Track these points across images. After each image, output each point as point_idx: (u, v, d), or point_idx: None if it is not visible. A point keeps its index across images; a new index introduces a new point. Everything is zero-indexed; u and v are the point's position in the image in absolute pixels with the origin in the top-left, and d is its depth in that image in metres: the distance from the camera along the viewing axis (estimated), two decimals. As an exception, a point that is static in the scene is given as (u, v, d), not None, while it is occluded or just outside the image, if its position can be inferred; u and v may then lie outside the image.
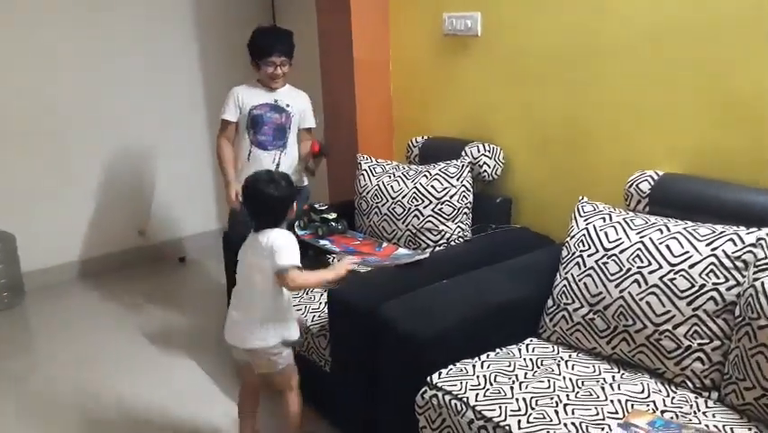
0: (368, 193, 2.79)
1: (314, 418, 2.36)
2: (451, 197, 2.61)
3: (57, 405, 2.65)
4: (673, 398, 1.74)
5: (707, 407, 1.71)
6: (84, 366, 2.93)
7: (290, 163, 2.91)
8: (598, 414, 1.65)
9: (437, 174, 2.66)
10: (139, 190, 4.10)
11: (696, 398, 1.75)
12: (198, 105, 4.23)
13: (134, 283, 3.86)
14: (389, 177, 2.76)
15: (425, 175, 2.68)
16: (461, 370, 1.87)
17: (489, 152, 2.71)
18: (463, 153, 2.72)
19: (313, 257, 2.59)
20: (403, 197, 2.67)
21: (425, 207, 2.62)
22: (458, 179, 2.64)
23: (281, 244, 1.99)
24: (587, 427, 1.60)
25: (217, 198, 4.30)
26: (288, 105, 2.88)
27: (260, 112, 2.84)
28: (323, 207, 2.76)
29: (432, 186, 2.63)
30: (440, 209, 2.61)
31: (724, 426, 1.62)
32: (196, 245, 4.25)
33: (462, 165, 2.67)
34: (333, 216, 2.72)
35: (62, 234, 3.85)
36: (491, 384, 1.80)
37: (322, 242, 2.63)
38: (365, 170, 2.85)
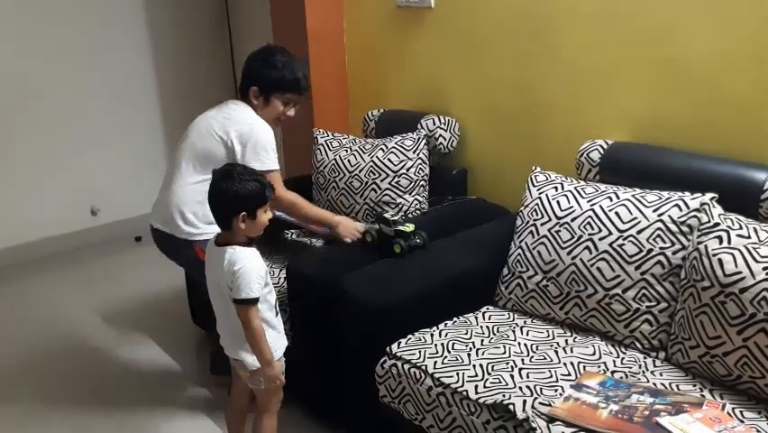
0: (325, 168, 2.78)
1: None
2: (407, 169, 2.63)
3: (12, 385, 2.60)
4: (623, 359, 1.81)
5: (654, 366, 1.79)
6: (40, 349, 2.88)
7: None
8: (551, 377, 1.71)
9: (393, 147, 2.66)
10: (90, 169, 3.99)
11: (644, 358, 1.82)
12: (149, 82, 4.13)
13: (90, 264, 3.78)
14: (346, 151, 2.75)
15: (381, 148, 2.68)
16: (420, 339, 1.90)
17: (445, 124, 2.72)
18: (419, 126, 2.73)
19: None
20: (360, 170, 2.67)
21: (382, 181, 2.62)
22: (414, 152, 2.65)
23: (242, 271, 1.72)
24: (541, 389, 1.65)
25: (172, 175, 4.22)
26: None
27: None
28: (395, 218, 2.23)
29: (388, 159, 2.63)
30: (397, 182, 2.62)
31: (670, 383, 1.69)
32: (152, 224, 4.18)
33: (418, 138, 2.68)
34: (411, 227, 2.18)
35: (11, 216, 3.73)
36: (449, 352, 1.84)
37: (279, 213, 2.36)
38: (321, 144, 2.83)
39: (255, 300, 1.74)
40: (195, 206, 2.21)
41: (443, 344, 1.87)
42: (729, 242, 1.66)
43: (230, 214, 1.75)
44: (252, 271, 1.74)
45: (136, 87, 4.09)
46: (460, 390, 1.68)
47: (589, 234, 1.92)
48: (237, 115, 2.30)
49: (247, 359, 1.84)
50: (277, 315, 1.91)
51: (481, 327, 1.98)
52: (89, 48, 3.85)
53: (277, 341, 1.88)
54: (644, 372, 1.75)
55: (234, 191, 1.73)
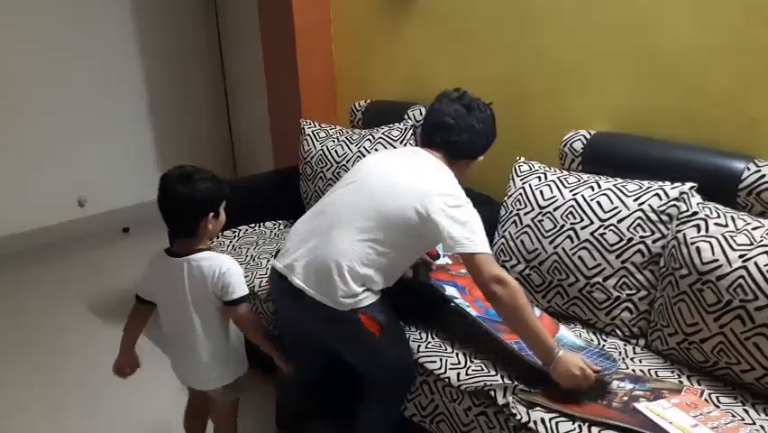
0: (312, 158, 2.79)
1: (261, 379, 2.39)
2: (394, 160, 2.63)
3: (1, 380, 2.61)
4: (604, 346, 1.84)
5: (634, 353, 1.81)
6: (29, 341, 2.88)
7: None
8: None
9: (381, 138, 2.67)
10: (78, 160, 3.98)
11: (625, 345, 1.85)
12: (136, 71, 4.11)
13: (77, 255, 3.78)
14: (333, 141, 2.76)
15: (368, 139, 2.69)
16: (405, 328, 1.92)
17: (431, 114, 2.73)
18: (406, 116, 2.74)
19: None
20: (347, 161, 2.68)
21: (368, 171, 2.63)
22: (401, 142, 2.66)
23: (231, 271, 1.66)
24: (522, 379, 1.67)
25: (158, 166, 4.22)
26: None
27: None
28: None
29: (375, 149, 2.64)
30: (383, 172, 2.62)
31: (649, 369, 1.72)
32: (140, 215, 4.16)
33: (405, 128, 2.69)
34: None
35: (-2, 207, 3.73)
36: (433, 339, 1.86)
37: (448, 289, 1.90)
38: (309, 134, 2.84)
39: (248, 297, 1.71)
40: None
41: (427, 332, 1.90)
42: (707, 230, 1.69)
43: (197, 217, 1.65)
44: (237, 269, 1.69)
45: (123, 76, 4.07)
46: (442, 376, 1.71)
47: (571, 224, 1.94)
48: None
49: (225, 380, 1.77)
50: None
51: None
52: (76, 36, 3.83)
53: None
54: (623, 358, 1.78)
55: (198, 192, 1.63)
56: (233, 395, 1.84)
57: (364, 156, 2.63)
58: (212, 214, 1.66)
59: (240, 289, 1.67)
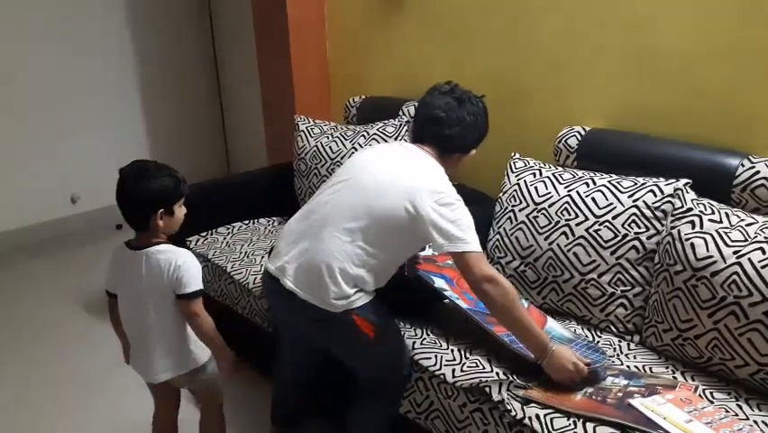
0: (306, 154, 2.78)
1: (255, 378, 2.39)
2: (388, 156, 2.63)
3: (-8, 378, 2.60)
4: (598, 342, 1.84)
5: (629, 349, 1.82)
6: (22, 336, 2.87)
7: None
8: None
9: (375, 134, 2.66)
10: (70, 156, 3.96)
11: (619, 341, 1.86)
12: (130, 67, 4.08)
13: (70, 252, 3.76)
14: (328, 137, 2.75)
15: (363, 135, 2.68)
16: (399, 324, 1.91)
17: (426, 110, 2.72)
18: (401, 112, 2.73)
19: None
20: (342, 157, 2.67)
21: (363, 167, 2.62)
22: (396, 139, 2.65)
23: (187, 265, 1.67)
24: (517, 375, 1.67)
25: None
26: None
27: None
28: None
29: (370, 146, 2.63)
30: (378, 169, 2.62)
31: (644, 366, 1.72)
32: (134, 212, 4.15)
33: (400, 124, 2.69)
34: None
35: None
36: (428, 336, 1.86)
37: (437, 281, 1.90)
38: (303, 130, 2.83)
39: (203, 292, 1.70)
40: None
41: (421, 328, 1.89)
42: (701, 226, 1.69)
43: (147, 213, 1.66)
44: (195, 263, 1.69)
45: (117, 73, 4.04)
46: (437, 373, 1.70)
47: (566, 220, 1.94)
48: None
49: (181, 369, 1.76)
50: None
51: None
52: (69, 34, 3.80)
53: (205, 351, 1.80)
54: (618, 355, 1.78)
55: (151, 189, 1.65)
56: (200, 384, 1.83)
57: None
58: (162, 211, 1.66)
59: (194, 283, 1.67)
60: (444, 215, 1.61)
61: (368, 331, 1.66)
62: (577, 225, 1.91)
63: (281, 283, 1.70)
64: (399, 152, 1.80)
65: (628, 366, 1.72)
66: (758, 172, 1.76)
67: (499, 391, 1.58)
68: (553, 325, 1.83)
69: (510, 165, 2.18)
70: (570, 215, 1.93)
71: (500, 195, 2.16)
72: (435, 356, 1.75)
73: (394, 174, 1.69)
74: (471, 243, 1.59)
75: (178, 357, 1.75)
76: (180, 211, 1.72)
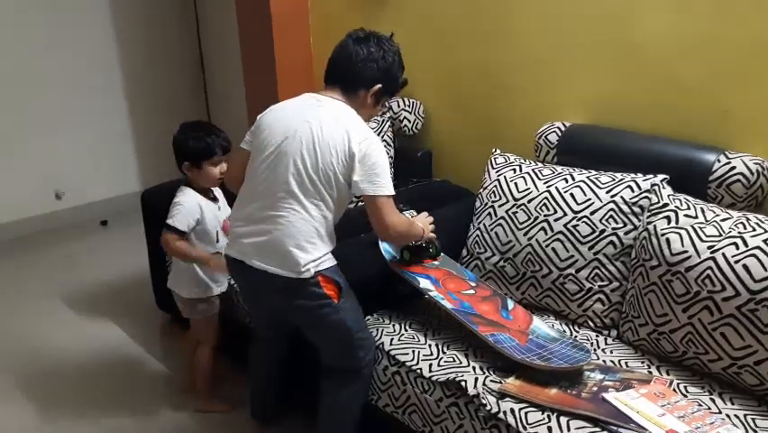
0: (289, 150, 2.77)
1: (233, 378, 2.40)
2: (371, 152, 2.62)
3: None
4: (576, 337, 1.85)
5: (606, 344, 1.83)
6: (4, 331, 2.85)
7: None
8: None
9: (358, 129, 2.66)
10: (55, 152, 3.93)
11: (597, 336, 1.87)
12: (113, 62, 4.06)
13: (54, 248, 3.73)
14: (311, 133, 2.74)
15: (345, 130, 2.67)
16: (378, 319, 1.93)
17: (410, 106, 2.73)
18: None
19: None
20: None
21: (345, 163, 2.62)
22: (379, 134, 2.65)
23: (178, 202, 2.03)
24: (493, 370, 1.68)
25: (137, 158, 4.18)
26: None
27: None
28: (404, 210, 2.05)
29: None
30: (361, 164, 2.61)
31: (620, 360, 1.74)
32: (118, 208, 4.12)
33: (383, 120, 2.68)
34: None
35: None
36: (406, 331, 1.86)
37: (422, 282, 1.89)
38: (286, 126, 2.81)
39: (174, 230, 2.00)
40: None
41: (400, 324, 1.90)
42: (677, 222, 1.70)
43: (178, 162, 2.05)
44: (184, 207, 2.01)
45: (100, 67, 4.00)
46: (414, 368, 1.71)
47: (544, 216, 1.94)
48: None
49: (175, 288, 2.15)
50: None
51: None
52: (51, 28, 3.75)
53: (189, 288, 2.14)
54: (595, 349, 1.79)
55: (179, 142, 2.04)
56: (192, 314, 2.17)
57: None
58: (187, 164, 2.05)
59: (172, 218, 2.00)
60: (364, 159, 1.70)
61: (331, 292, 1.73)
62: (555, 220, 1.92)
63: (248, 264, 1.74)
64: (313, 107, 1.77)
65: (604, 361, 1.73)
66: (734, 168, 1.77)
67: (475, 386, 1.59)
68: (538, 324, 1.84)
69: (491, 161, 2.18)
70: (549, 210, 1.94)
71: (480, 190, 2.16)
72: (413, 351, 1.76)
73: (318, 132, 1.71)
74: (385, 187, 1.72)
75: (177, 279, 2.15)
76: (211, 168, 2.04)
